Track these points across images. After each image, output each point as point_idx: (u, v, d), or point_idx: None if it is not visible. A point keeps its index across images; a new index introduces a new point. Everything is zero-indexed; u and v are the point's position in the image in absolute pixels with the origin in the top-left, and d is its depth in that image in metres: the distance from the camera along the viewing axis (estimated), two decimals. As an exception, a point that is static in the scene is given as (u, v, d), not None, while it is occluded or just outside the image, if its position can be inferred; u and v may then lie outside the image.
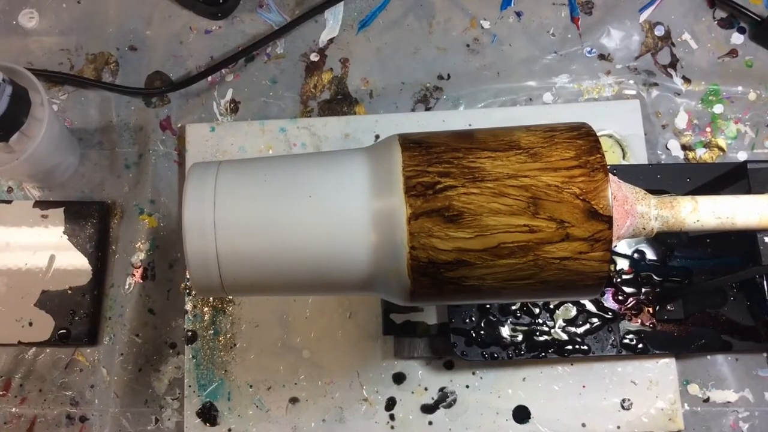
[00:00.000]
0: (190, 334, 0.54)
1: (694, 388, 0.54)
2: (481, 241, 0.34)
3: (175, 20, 0.61)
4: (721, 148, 0.58)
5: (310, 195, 0.35)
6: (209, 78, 0.59)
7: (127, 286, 0.56)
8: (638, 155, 0.57)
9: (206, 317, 0.54)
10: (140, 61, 0.60)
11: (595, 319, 0.51)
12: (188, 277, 0.55)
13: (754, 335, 0.52)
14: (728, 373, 0.54)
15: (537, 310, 0.51)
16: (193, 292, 0.55)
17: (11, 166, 0.49)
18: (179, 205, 0.57)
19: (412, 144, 0.36)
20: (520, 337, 0.51)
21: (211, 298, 0.55)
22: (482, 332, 0.51)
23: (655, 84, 0.60)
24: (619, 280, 0.52)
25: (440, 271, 0.34)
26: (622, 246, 0.53)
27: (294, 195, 0.36)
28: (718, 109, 0.59)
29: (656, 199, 0.39)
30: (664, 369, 0.53)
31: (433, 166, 0.34)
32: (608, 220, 0.33)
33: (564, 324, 0.51)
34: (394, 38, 0.61)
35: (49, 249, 0.55)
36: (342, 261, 0.35)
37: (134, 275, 0.56)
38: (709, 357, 0.54)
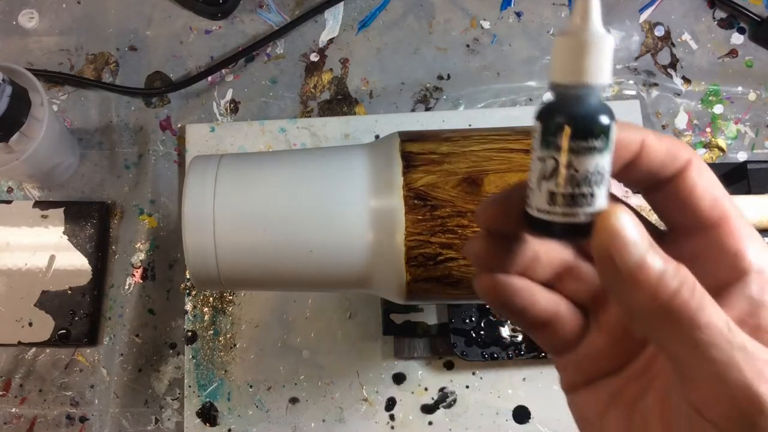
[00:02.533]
0: (190, 334, 0.54)
1: (694, 388, 0.54)
2: (476, 296, 0.35)
3: (175, 20, 0.61)
4: (721, 149, 0.58)
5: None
6: (209, 78, 0.59)
7: (127, 286, 0.56)
8: (638, 155, 0.57)
9: (206, 317, 0.54)
10: (140, 61, 0.60)
11: (595, 319, 0.51)
12: (188, 276, 0.55)
13: (754, 335, 0.52)
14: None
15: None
16: (194, 292, 0.55)
17: (11, 166, 0.49)
18: (179, 205, 0.57)
19: (416, 200, 0.34)
20: (520, 337, 0.51)
21: (211, 299, 0.55)
22: (482, 332, 0.51)
23: (655, 84, 0.60)
24: (619, 280, 0.52)
25: (437, 298, 0.36)
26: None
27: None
28: (718, 109, 0.59)
29: None
30: (664, 369, 0.53)
31: (437, 236, 0.34)
32: None
33: (564, 324, 0.51)
34: (394, 38, 0.61)
35: (49, 249, 0.55)
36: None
37: (134, 275, 0.56)
38: (709, 357, 0.54)
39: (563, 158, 0.21)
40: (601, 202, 0.22)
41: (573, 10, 0.22)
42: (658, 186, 0.24)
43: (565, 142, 0.21)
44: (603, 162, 0.22)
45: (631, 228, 0.21)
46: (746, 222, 0.24)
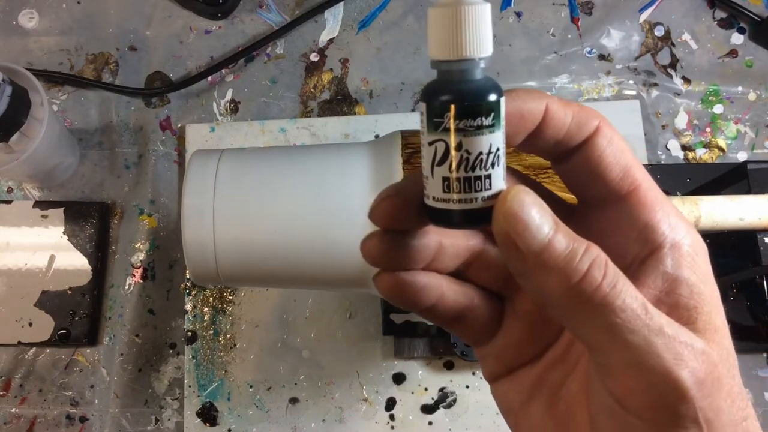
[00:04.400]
0: (190, 334, 0.54)
1: (694, 388, 0.54)
2: None
3: (175, 20, 0.61)
4: (721, 148, 0.58)
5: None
6: (209, 78, 0.59)
7: (127, 286, 0.56)
8: (638, 155, 0.57)
9: (206, 317, 0.54)
10: (140, 61, 0.60)
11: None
12: (188, 275, 0.55)
13: (754, 335, 0.52)
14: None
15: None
16: (194, 292, 0.55)
17: (11, 166, 0.49)
18: (179, 205, 0.57)
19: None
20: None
21: (211, 298, 0.55)
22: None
23: (655, 84, 0.60)
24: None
25: None
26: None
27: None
28: (718, 109, 0.59)
29: None
30: (664, 369, 0.53)
31: None
32: None
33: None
34: (394, 38, 0.61)
35: (49, 249, 0.55)
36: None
37: (134, 275, 0.56)
38: (709, 357, 0.54)
39: (452, 140, 0.20)
40: (498, 183, 0.21)
41: None
42: (566, 156, 0.23)
43: (452, 122, 0.20)
44: (495, 141, 0.20)
45: (530, 208, 0.20)
46: (659, 192, 0.22)
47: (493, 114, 0.20)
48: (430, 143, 0.21)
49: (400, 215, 0.23)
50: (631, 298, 0.19)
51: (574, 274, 0.19)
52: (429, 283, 0.24)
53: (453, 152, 0.20)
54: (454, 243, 0.25)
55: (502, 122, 0.21)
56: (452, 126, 0.20)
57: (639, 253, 0.22)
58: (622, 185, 0.22)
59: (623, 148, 0.22)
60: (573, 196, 0.25)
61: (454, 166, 0.20)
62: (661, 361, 0.19)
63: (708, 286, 0.22)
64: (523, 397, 0.25)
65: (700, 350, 0.20)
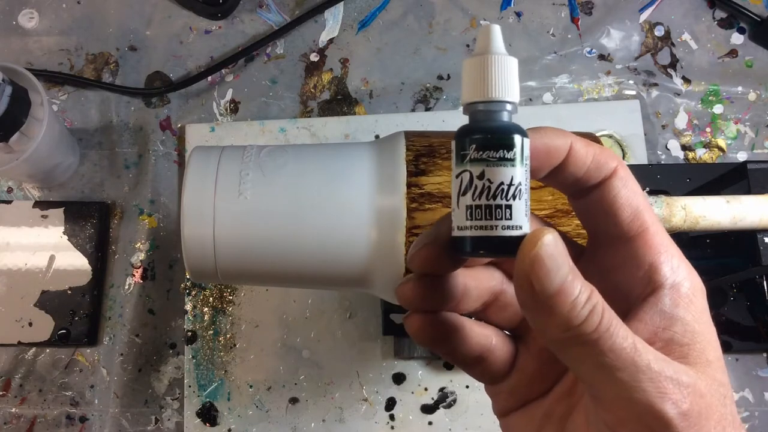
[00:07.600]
0: (190, 334, 0.54)
1: (694, 388, 0.54)
2: None
3: (175, 20, 0.61)
4: (721, 148, 0.58)
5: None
6: (209, 78, 0.59)
7: (127, 286, 0.56)
8: (638, 155, 0.57)
9: (206, 317, 0.54)
10: (140, 61, 0.60)
11: (595, 319, 0.51)
12: (188, 275, 0.55)
13: (754, 335, 0.52)
14: (728, 373, 0.54)
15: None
16: (194, 292, 0.55)
17: (11, 166, 0.49)
18: (179, 205, 0.57)
19: (419, 200, 0.35)
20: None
21: (211, 298, 0.55)
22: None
23: (655, 84, 0.60)
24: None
25: None
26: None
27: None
28: (718, 109, 0.59)
29: (658, 212, 0.39)
30: (664, 369, 0.53)
31: None
32: None
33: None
34: (394, 38, 0.61)
35: (49, 249, 0.55)
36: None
37: (134, 275, 0.56)
38: (709, 357, 0.54)
39: (476, 169, 0.22)
40: (519, 217, 0.22)
41: (478, 37, 0.23)
42: (584, 193, 0.24)
43: (476, 153, 0.22)
44: (517, 176, 0.22)
45: (553, 256, 0.21)
46: (665, 236, 0.24)
47: (515, 150, 0.22)
48: (457, 175, 0.22)
49: (437, 261, 0.25)
50: (621, 339, 0.21)
51: (575, 319, 0.21)
52: (454, 324, 0.26)
53: (476, 180, 0.22)
54: (478, 285, 0.27)
55: (525, 160, 0.22)
56: (476, 156, 0.22)
57: (642, 292, 0.24)
58: (632, 226, 0.24)
59: (637, 191, 0.24)
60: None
61: (476, 193, 0.22)
62: (645, 395, 0.21)
63: (702, 324, 0.24)
64: (533, 430, 0.27)
65: (686, 383, 0.21)
